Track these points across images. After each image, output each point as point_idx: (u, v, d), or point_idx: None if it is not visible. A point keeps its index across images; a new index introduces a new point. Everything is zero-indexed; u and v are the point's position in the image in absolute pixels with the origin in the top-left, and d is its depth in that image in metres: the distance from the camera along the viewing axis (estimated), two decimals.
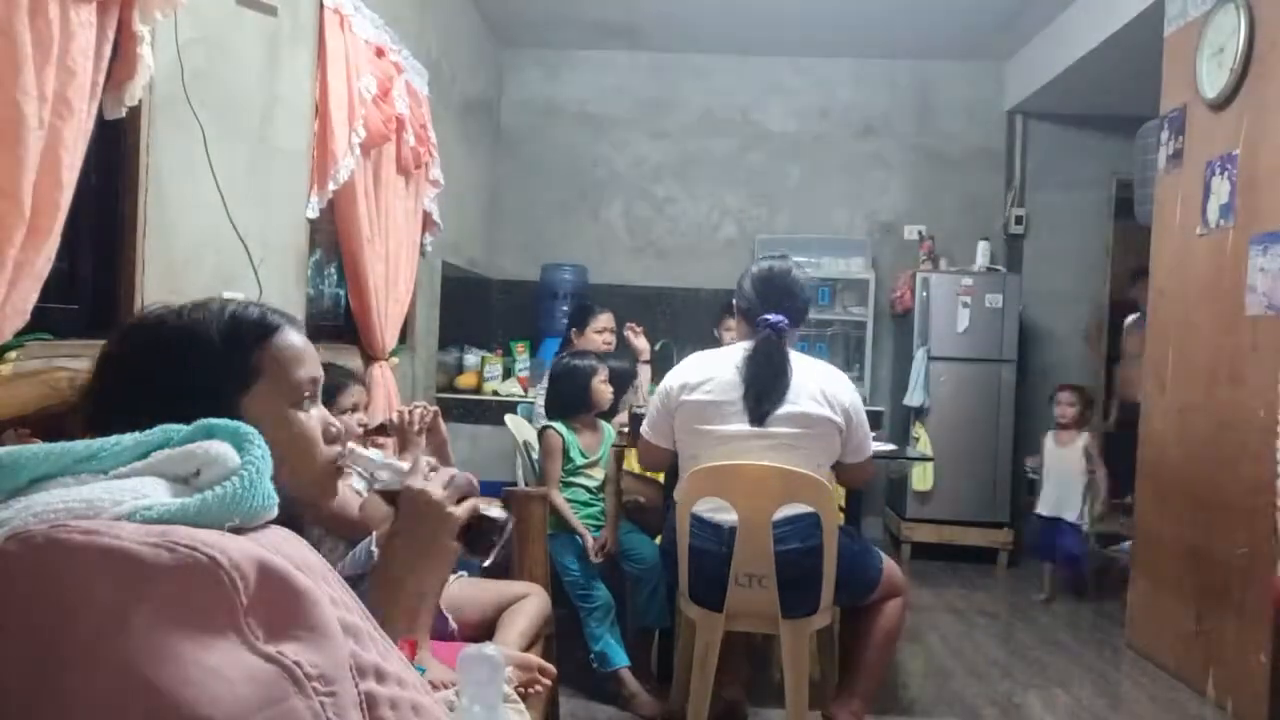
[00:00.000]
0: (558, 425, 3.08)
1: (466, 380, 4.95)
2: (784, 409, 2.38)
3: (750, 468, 2.38)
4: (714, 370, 2.46)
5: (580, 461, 3.08)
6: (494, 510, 1.22)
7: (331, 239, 3.33)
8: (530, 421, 3.76)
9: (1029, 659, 3.53)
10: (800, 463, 2.35)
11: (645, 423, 2.59)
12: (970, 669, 3.40)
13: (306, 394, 1.04)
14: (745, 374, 2.40)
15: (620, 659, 2.85)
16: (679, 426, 2.48)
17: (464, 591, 2.14)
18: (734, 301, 2.60)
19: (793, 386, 2.39)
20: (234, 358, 0.99)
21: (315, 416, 1.05)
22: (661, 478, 3.12)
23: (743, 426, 2.38)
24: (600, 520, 3.08)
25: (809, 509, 2.34)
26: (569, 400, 3.15)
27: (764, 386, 2.38)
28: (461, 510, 1.18)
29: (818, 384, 2.42)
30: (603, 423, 3.22)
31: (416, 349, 4.25)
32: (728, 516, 2.38)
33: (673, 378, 2.52)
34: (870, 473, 2.67)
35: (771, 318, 2.42)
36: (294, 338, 1.05)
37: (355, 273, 3.24)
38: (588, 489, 3.08)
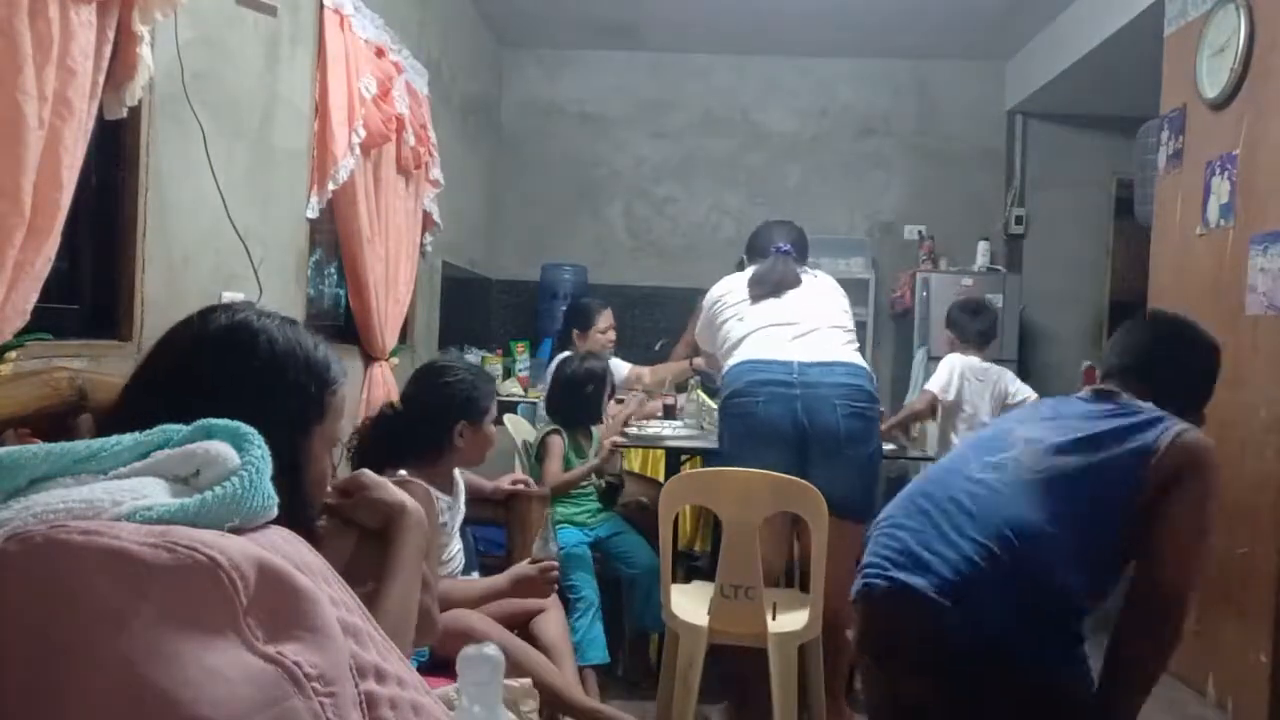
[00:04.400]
0: (561, 434, 3.11)
1: None
2: (796, 290, 2.79)
3: (738, 473, 2.36)
4: (738, 283, 2.87)
5: (574, 464, 3.10)
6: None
7: (331, 239, 3.33)
8: (533, 424, 3.77)
9: None
10: (829, 308, 2.75)
11: (696, 329, 3.06)
12: None
13: (336, 444, 1.13)
14: (763, 275, 2.82)
15: (596, 655, 2.79)
16: (720, 326, 2.84)
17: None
18: (744, 256, 3.02)
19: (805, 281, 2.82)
20: (320, 393, 1.07)
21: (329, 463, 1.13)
22: (662, 477, 3.12)
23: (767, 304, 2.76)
24: (594, 518, 3.10)
25: (853, 377, 2.57)
26: (575, 411, 3.17)
27: (779, 279, 2.78)
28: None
29: (827, 281, 2.89)
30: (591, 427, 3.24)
31: (416, 349, 4.25)
32: (794, 355, 2.58)
33: (715, 290, 2.92)
34: None
35: (782, 245, 2.85)
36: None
37: (355, 273, 3.24)
38: (581, 489, 3.11)
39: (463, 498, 2.13)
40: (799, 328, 2.67)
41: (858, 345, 2.79)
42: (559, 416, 3.19)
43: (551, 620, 2.24)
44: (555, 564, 1.94)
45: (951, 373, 3.82)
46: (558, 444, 3.07)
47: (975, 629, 1.56)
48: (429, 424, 2.01)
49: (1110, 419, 1.70)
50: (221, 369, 1.01)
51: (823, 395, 2.52)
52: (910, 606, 1.60)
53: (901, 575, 1.62)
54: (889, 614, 1.66)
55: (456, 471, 2.12)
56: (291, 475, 0.99)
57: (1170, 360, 1.84)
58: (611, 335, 4.01)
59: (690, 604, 2.46)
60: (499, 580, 1.96)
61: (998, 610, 1.56)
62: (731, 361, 2.70)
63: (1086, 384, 1.93)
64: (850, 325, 2.80)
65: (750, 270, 2.87)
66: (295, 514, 0.91)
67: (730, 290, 2.85)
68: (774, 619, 2.37)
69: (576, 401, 3.17)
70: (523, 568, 1.95)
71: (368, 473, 1.33)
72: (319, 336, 1.11)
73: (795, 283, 2.78)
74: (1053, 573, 1.58)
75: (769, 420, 2.52)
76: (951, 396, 3.80)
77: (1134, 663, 1.66)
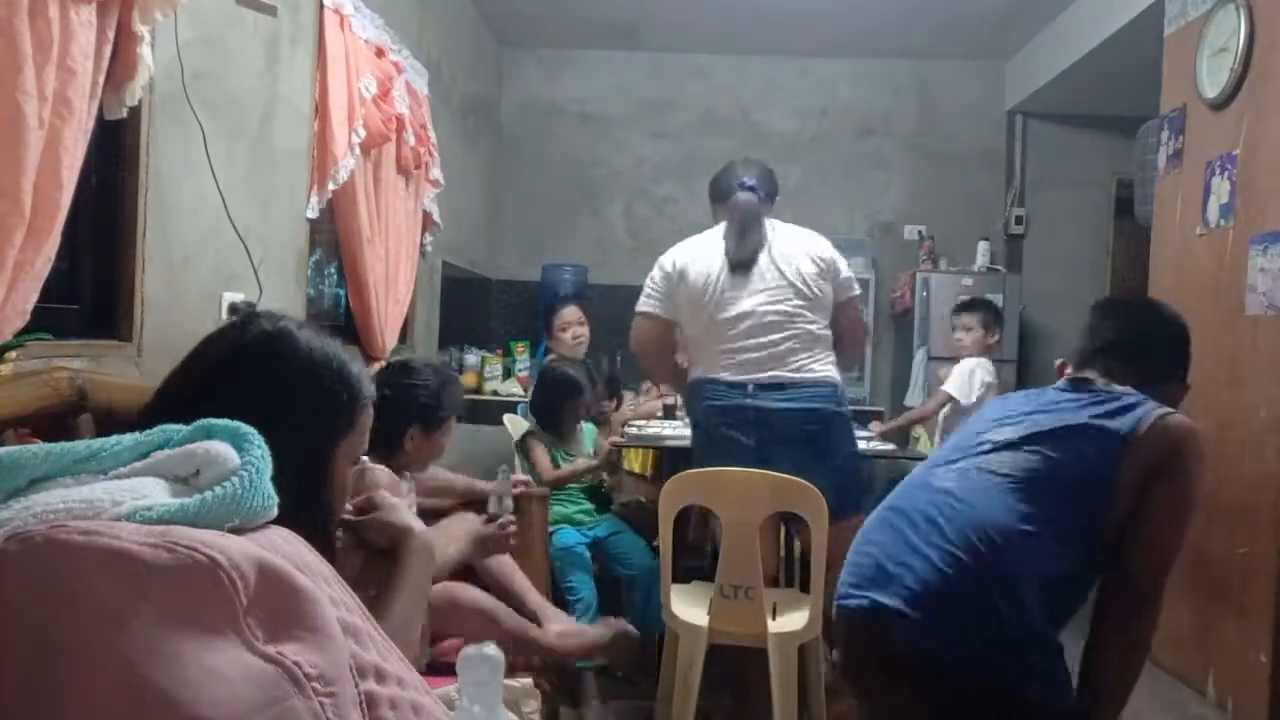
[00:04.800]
0: (539, 432, 3.18)
1: (466, 380, 4.94)
2: (764, 259, 2.60)
3: (738, 473, 2.36)
4: (700, 252, 2.67)
5: (559, 461, 3.12)
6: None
7: (331, 239, 3.33)
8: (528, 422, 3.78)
9: None
10: (794, 285, 2.57)
11: (644, 298, 2.72)
12: None
13: (358, 458, 1.15)
14: (727, 239, 2.64)
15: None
16: (681, 304, 2.66)
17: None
18: (710, 204, 2.82)
19: (772, 241, 2.63)
20: (350, 405, 1.09)
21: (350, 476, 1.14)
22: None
23: (730, 289, 2.60)
24: (592, 517, 3.12)
25: (810, 401, 2.51)
26: (547, 417, 3.22)
27: (742, 238, 2.61)
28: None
29: (796, 241, 2.68)
30: (581, 424, 3.28)
31: (416, 349, 4.25)
32: (749, 374, 2.54)
33: (674, 259, 2.69)
34: (860, 324, 2.82)
35: (747, 180, 2.67)
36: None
37: (355, 273, 3.24)
38: (578, 488, 3.15)
39: (412, 495, 2.11)
40: (756, 334, 2.56)
41: (824, 324, 2.64)
42: (537, 419, 3.26)
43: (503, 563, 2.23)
44: (513, 518, 1.95)
45: (972, 376, 3.79)
46: (537, 442, 3.14)
47: (946, 639, 1.54)
48: (382, 421, 2.01)
49: (1087, 407, 1.68)
50: (260, 377, 1.02)
51: (778, 422, 2.52)
52: (881, 621, 1.58)
53: (872, 592, 1.61)
54: (864, 631, 1.65)
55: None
56: (316, 485, 1.01)
57: (1146, 335, 1.83)
58: (576, 332, 3.83)
59: (690, 604, 2.46)
60: (461, 545, 1.94)
61: (968, 619, 1.54)
62: (695, 371, 2.69)
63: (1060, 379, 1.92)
64: (816, 295, 2.61)
65: (713, 236, 2.69)
66: (317, 524, 0.92)
67: (689, 263, 2.65)
68: (774, 619, 2.37)
69: (550, 409, 3.22)
70: (482, 528, 1.94)
71: (383, 493, 1.34)
72: (352, 349, 1.14)
73: (759, 244, 2.61)
74: (1027, 577, 1.55)
75: (734, 440, 2.54)
76: (971, 400, 3.78)
77: (1110, 655, 1.64)
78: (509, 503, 1.96)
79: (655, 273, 2.73)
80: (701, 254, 2.66)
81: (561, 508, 3.07)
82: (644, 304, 2.72)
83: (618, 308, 4.43)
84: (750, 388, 2.55)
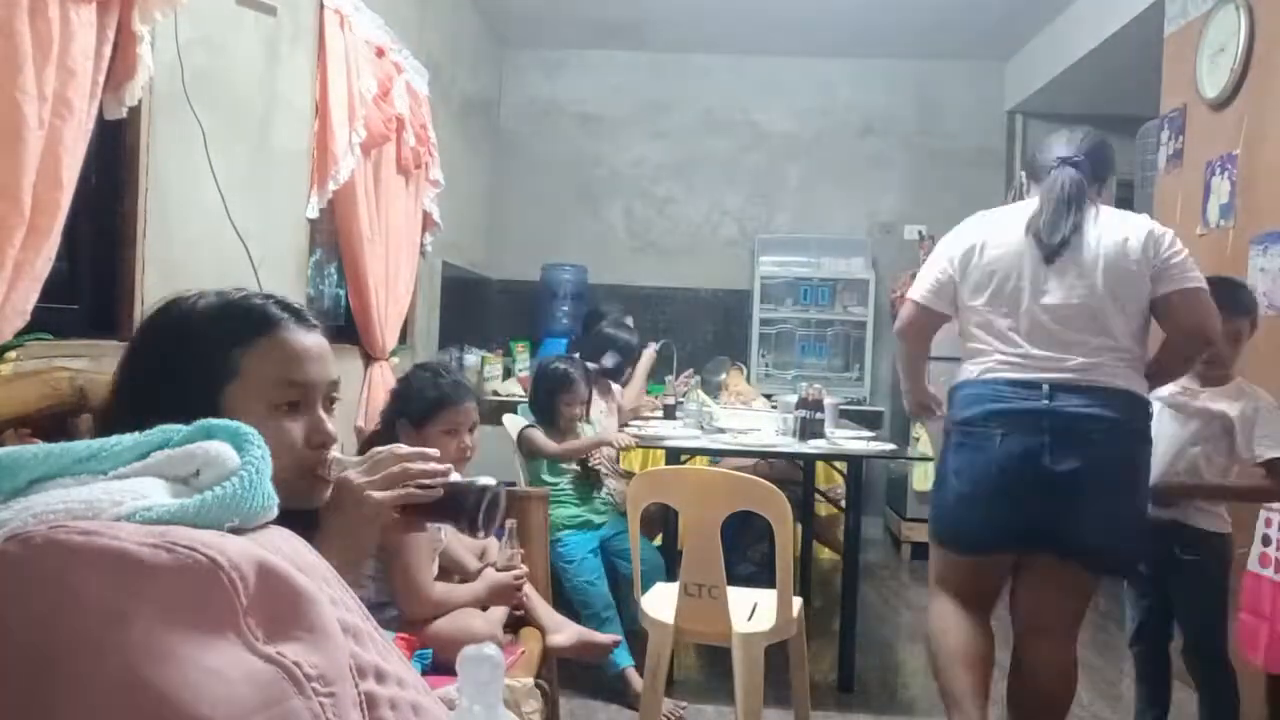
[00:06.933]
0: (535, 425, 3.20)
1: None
2: (1073, 251, 2.16)
3: (699, 472, 2.36)
4: (1005, 228, 2.25)
5: (563, 464, 3.14)
6: (481, 480, 1.18)
7: (331, 239, 3.33)
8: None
9: None
10: (1098, 314, 2.14)
11: (917, 283, 2.36)
12: None
13: (290, 399, 1.07)
14: (1038, 220, 2.20)
15: (624, 659, 2.83)
16: (962, 294, 2.27)
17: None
18: (1022, 177, 2.53)
19: (1086, 230, 2.19)
20: (219, 353, 1.04)
21: (300, 422, 1.07)
22: None
23: (1032, 279, 2.17)
24: (600, 515, 3.14)
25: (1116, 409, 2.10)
26: (543, 412, 3.23)
27: (1056, 222, 2.18)
28: (387, 495, 1.12)
29: (1117, 229, 2.21)
30: (582, 426, 3.28)
31: (416, 349, 4.25)
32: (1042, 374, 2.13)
33: (956, 242, 2.29)
34: (1208, 313, 2.17)
35: (1067, 153, 2.28)
36: (293, 338, 1.11)
37: (355, 273, 3.24)
38: (576, 488, 3.18)
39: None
40: (1059, 333, 2.15)
41: (1139, 326, 2.19)
42: (535, 415, 3.28)
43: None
44: (524, 570, 2.08)
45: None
46: (534, 431, 3.17)
47: None
48: (387, 410, 2.09)
49: None
50: (143, 357, 1.06)
51: (1079, 429, 2.11)
52: None
53: None
54: None
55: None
56: None
57: None
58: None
59: (669, 601, 2.45)
60: (478, 589, 2.05)
61: None
62: (968, 369, 2.27)
63: None
64: (1137, 311, 2.18)
65: (1022, 209, 2.28)
66: None
67: (986, 240, 2.24)
68: (750, 619, 2.35)
69: (538, 404, 3.25)
70: (498, 576, 2.06)
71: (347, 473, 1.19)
72: (244, 292, 1.13)
73: (1075, 229, 2.17)
74: None
75: (1007, 457, 2.14)
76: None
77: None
78: (518, 556, 2.10)
79: (938, 251, 2.35)
80: (1005, 231, 2.25)
81: (569, 510, 3.11)
82: (915, 289, 2.37)
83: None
84: (1046, 388, 2.13)
